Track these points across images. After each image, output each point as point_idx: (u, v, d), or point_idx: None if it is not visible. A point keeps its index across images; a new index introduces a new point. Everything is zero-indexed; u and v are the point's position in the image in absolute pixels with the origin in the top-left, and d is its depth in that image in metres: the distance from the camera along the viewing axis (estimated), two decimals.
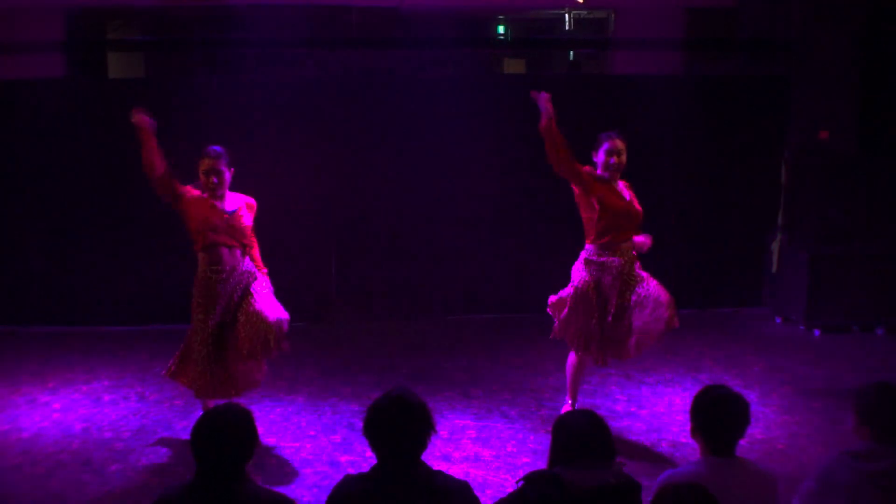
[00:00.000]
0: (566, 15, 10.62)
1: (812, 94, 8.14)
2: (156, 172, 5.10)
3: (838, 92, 8.10)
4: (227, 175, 5.20)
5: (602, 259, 5.34)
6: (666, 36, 9.53)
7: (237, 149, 5.51)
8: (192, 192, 5.21)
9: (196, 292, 5.17)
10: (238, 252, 5.19)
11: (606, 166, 5.34)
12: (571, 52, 11.46)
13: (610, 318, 5.34)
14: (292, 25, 9.41)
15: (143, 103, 7.96)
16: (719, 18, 9.88)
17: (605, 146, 5.35)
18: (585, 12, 10.68)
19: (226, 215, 5.15)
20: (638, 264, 5.47)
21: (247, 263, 5.25)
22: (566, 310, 5.42)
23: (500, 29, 11.91)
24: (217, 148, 5.21)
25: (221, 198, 5.20)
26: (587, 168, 5.39)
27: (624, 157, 5.36)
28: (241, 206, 5.26)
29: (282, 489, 4.69)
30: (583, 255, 5.46)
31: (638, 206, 5.43)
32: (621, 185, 5.48)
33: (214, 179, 5.13)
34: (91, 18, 9.97)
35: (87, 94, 7.94)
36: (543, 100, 5.40)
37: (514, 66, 11.94)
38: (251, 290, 5.16)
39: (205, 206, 5.14)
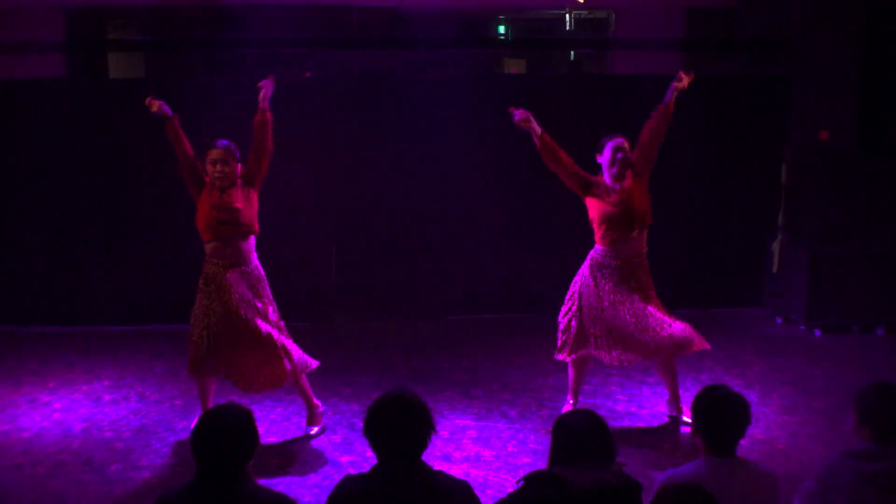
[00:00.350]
0: (566, 15, 10.63)
1: (812, 94, 8.14)
2: (190, 154, 5.35)
3: (838, 92, 8.10)
4: (234, 166, 5.31)
5: (604, 260, 5.49)
6: (666, 36, 9.53)
7: (237, 149, 5.52)
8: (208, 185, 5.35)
9: (201, 279, 5.30)
10: (241, 243, 5.26)
11: (613, 162, 5.43)
12: (572, 52, 11.45)
13: (608, 309, 5.45)
14: (292, 25, 9.41)
15: (142, 103, 8.00)
16: (719, 18, 9.88)
17: (610, 144, 5.46)
18: (586, 12, 10.69)
19: (227, 205, 5.22)
20: (646, 273, 5.51)
21: (253, 262, 5.32)
22: (565, 318, 5.59)
23: (501, 29, 11.91)
24: (225, 141, 5.35)
25: (226, 189, 5.27)
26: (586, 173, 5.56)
27: (630, 154, 5.46)
28: (239, 189, 5.30)
29: (283, 489, 4.69)
30: (589, 254, 5.61)
31: (638, 206, 5.43)
32: (626, 185, 5.48)
33: (220, 168, 5.24)
34: (91, 18, 9.98)
35: (88, 94, 7.94)
36: (520, 120, 5.49)
37: (514, 65, 11.94)
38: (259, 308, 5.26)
39: (209, 202, 5.24)
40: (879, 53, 8.14)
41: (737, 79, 8.65)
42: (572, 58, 11.48)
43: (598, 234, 5.52)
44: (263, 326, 5.25)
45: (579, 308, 5.54)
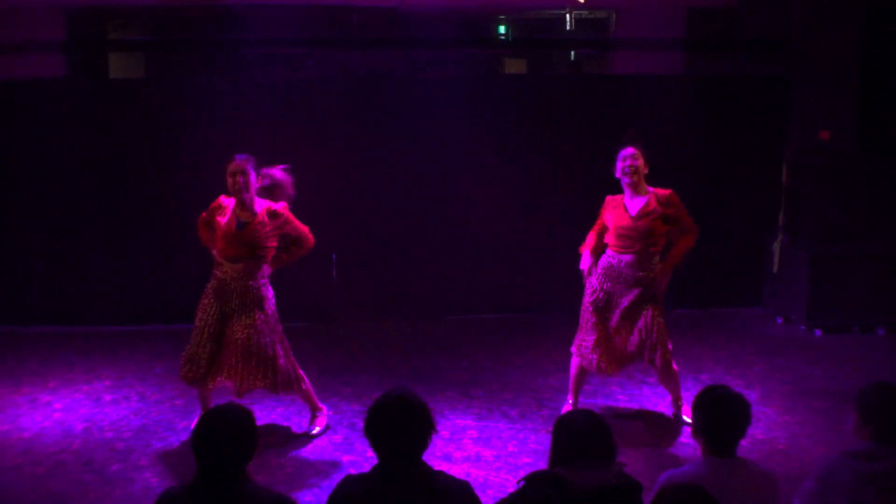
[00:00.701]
0: (567, 15, 10.62)
1: (812, 94, 8.14)
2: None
3: (838, 92, 8.10)
4: (254, 177, 5.30)
5: (612, 261, 5.57)
6: (666, 36, 9.53)
7: (237, 149, 5.53)
8: (217, 207, 5.36)
9: (210, 283, 5.34)
10: (244, 264, 5.24)
11: (623, 171, 5.52)
12: (572, 52, 11.44)
13: (613, 323, 5.55)
14: (292, 25, 9.41)
15: (143, 103, 8.02)
16: (719, 18, 9.87)
17: (620, 154, 5.54)
18: (586, 12, 10.68)
19: (242, 230, 5.22)
20: (650, 287, 5.53)
21: (262, 279, 5.31)
22: (580, 324, 5.69)
23: (501, 29, 11.89)
24: (244, 155, 5.37)
25: (244, 202, 5.27)
26: (601, 212, 5.69)
27: (639, 161, 5.49)
28: (261, 214, 5.29)
29: (283, 489, 4.69)
30: (603, 255, 5.69)
31: (640, 222, 5.46)
32: (638, 200, 5.51)
33: (241, 179, 5.25)
34: (92, 18, 9.96)
35: (88, 94, 7.94)
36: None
37: (514, 66, 11.93)
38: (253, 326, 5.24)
39: (221, 219, 5.27)
40: (879, 53, 8.14)
41: (737, 79, 8.65)
42: (573, 58, 11.47)
43: (609, 244, 5.63)
44: (260, 340, 5.25)
45: (585, 321, 5.65)
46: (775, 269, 8.26)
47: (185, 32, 10.27)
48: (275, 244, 5.36)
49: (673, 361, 5.59)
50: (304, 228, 5.44)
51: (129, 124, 7.85)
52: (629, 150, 5.52)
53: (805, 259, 7.84)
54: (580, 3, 10.04)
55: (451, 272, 8.29)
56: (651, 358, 5.49)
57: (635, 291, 5.48)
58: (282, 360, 5.31)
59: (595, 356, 5.56)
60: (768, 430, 5.63)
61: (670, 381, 5.71)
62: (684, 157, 8.36)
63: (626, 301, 5.50)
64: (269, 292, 5.38)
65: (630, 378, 6.56)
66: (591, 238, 5.71)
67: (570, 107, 8.23)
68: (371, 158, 8.14)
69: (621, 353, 5.58)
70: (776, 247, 8.26)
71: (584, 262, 5.64)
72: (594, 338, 5.56)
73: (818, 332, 7.80)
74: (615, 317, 5.54)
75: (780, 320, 8.20)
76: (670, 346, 5.54)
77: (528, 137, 8.22)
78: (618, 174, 5.55)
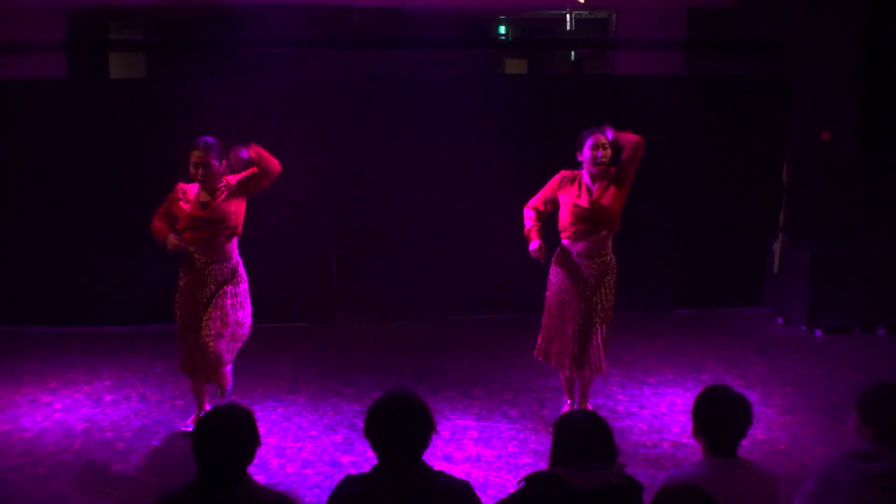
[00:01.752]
0: (567, 15, 10.62)
1: (813, 95, 8.15)
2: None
3: (839, 92, 8.11)
4: (218, 167, 5.27)
5: (566, 256, 5.51)
6: (667, 36, 9.52)
7: (220, 145, 5.51)
8: (179, 194, 5.34)
9: (183, 268, 5.36)
10: (220, 240, 5.26)
11: (594, 161, 5.34)
12: (573, 53, 11.45)
13: (577, 321, 5.46)
14: (293, 25, 9.41)
15: (144, 103, 8.02)
16: (720, 18, 9.88)
17: (590, 142, 5.36)
18: (587, 12, 10.68)
19: (205, 210, 5.23)
20: (610, 279, 5.48)
21: (233, 260, 5.33)
22: (543, 320, 5.64)
23: (502, 29, 11.89)
24: (208, 139, 5.27)
25: (211, 189, 5.26)
26: (550, 183, 5.58)
27: (609, 151, 5.36)
28: (223, 183, 5.29)
29: (283, 489, 4.70)
30: (555, 251, 5.61)
31: (608, 208, 5.36)
32: (599, 184, 5.42)
33: (202, 171, 5.21)
34: (93, 19, 9.97)
35: (89, 94, 7.95)
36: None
37: (515, 66, 11.93)
38: (224, 294, 5.25)
39: (187, 205, 5.26)
40: (880, 53, 8.15)
41: (737, 79, 8.65)
42: (573, 58, 11.47)
43: (562, 230, 5.52)
44: (227, 321, 5.27)
45: (548, 315, 5.60)
46: (776, 269, 8.26)
47: (185, 32, 10.27)
48: (242, 209, 5.31)
49: (605, 365, 5.53)
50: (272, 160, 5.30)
51: (129, 124, 7.85)
52: (608, 136, 5.35)
53: (805, 259, 7.84)
54: (580, 3, 10.04)
55: (452, 272, 8.30)
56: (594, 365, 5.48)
57: (590, 285, 5.40)
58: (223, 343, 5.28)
59: (553, 355, 5.56)
60: (769, 430, 5.63)
61: (590, 384, 5.69)
62: (684, 158, 8.36)
63: (578, 298, 5.41)
64: (242, 271, 5.37)
65: (630, 378, 6.56)
66: (530, 214, 5.60)
67: (570, 107, 8.22)
68: (372, 158, 8.15)
69: (574, 351, 5.48)
70: (776, 247, 8.26)
71: (534, 245, 5.46)
72: (547, 335, 5.55)
73: (819, 333, 7.79)
74: (570, 314, 5.45)
75: (780, 320, 8.20)
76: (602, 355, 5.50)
77: (528, 137, 8.22)
78: (586, 161, 5.37)
